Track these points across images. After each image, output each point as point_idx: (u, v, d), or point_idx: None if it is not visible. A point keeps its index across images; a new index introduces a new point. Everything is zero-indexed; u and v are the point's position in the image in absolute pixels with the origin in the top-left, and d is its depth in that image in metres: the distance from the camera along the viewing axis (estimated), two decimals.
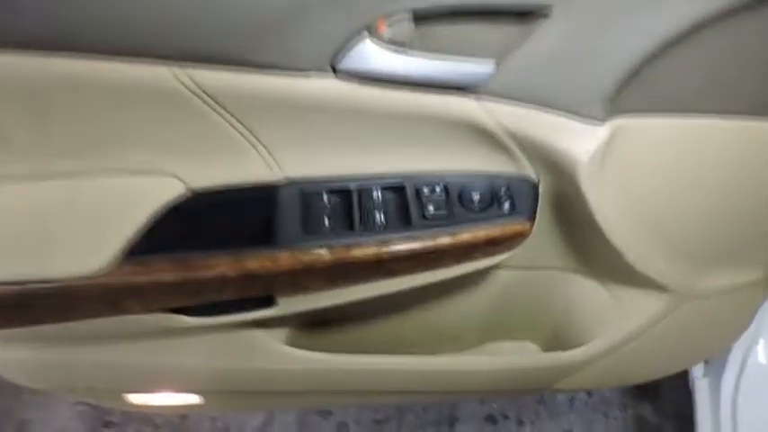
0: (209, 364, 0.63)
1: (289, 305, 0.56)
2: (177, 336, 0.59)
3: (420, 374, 0.69)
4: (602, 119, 0.52)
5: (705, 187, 0.60)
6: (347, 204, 0.54)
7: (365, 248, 0.51)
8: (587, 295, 0.72)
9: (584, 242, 0.64)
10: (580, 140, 0.52)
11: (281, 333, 0.64)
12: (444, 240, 0.53)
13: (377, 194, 0.54)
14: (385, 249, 0.52)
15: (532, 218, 0.56)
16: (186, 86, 0.46)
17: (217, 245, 0.51)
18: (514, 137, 0.53)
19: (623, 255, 0.59)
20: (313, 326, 0.68)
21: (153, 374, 0.64)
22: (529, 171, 0.56)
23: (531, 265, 0.70)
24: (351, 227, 0.52)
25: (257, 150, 0.52)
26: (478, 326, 0.81)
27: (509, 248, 0.56)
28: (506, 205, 0.55)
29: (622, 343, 0.71)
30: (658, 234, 0.60)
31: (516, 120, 0.52)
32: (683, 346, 0.79)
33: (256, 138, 0.51)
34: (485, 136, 0.53)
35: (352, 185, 0.54)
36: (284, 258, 0.50)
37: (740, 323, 0.84)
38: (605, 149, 0.52)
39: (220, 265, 0.50)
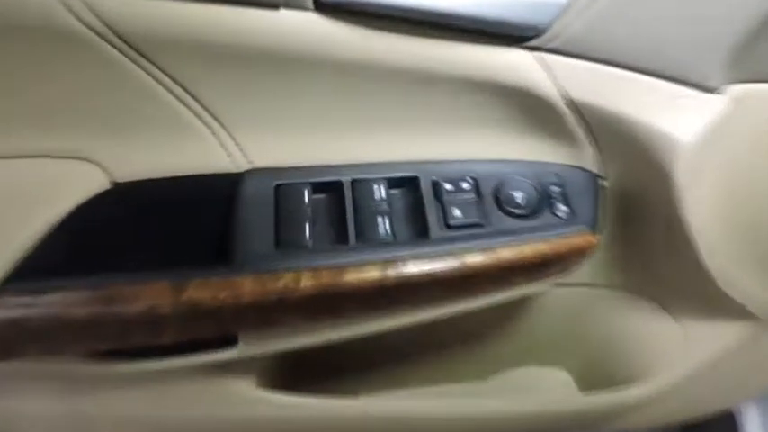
0: (162, 415, 0.48)
1: (256, 345, 0.40)
2: (115, 381, 0.44)
3: (437, 422, 0.54)
4: (716, 86, 0.36)
5: None
6: (338, 206, 0.38)
7: (363, 271, 0.36)
8: (645, 319, 0.57)
9: (654, 257, 0.48)
10: (683, 114, 0.36)
11: (253, 372, 0.48)
12: (475, 260, 0.37)
13: (380, 192, 0.38)
14: (391, 273, 0.36)
15: (597, 226, 0.40)
16: (84, 22, 0.30)
17: (148, 265, 0.35)
18: (580, 108, 0.37)
19: (713, 277, 0.44)
20: (297, 358, 0.52)
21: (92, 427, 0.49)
22: (591, 160, 0.41)
23: (575, 281, 0.54)
24: (343, 239, 0.37)
25: (208, 126, 0.36)
26: (501, 350, 0.66)
27: (564, 270, 0.41)
28: (562, 209, 0.39)
29: (691, 378, 0.56)
30: (758, 251, 0.45)
31: (586, 83, 0.36)
32: (756, 376, 0.64)
33: (205, 107, 0.36)
34: (536, 106, 0.38)
35: (345, 178, 0.39)
36: (246, 286, 0.35)
37: None
38: (717, 128, 0.36)
39: (152, 296, 0.34)
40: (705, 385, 0.59)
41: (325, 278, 0.35)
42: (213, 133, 0.37)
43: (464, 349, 0.63)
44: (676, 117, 0.36)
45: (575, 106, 0.38)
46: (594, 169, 0.41)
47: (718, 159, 0.38)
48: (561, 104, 0.37)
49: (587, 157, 0.41)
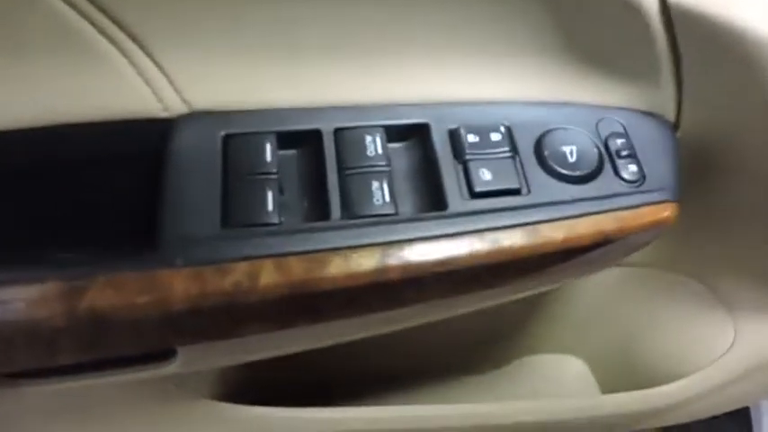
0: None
1: (202, 359, 0.29)
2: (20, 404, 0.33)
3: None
4: None
5: None
6: (315, 166, 0.27)
7: (352, 260, 0.24)
8: (690, 307, 0.47)
9: (725, 230, 0.38)
10: None
11: (206, 381, 0.38)
12: (511, 241, 0.26)
13: (375, 145, 0.27)
14: (393, 261, 0.25)
15: (677, 192, 0.29)
16: None
17: (28, 257, 0.23)
18: (674, 19, 0.26)
19: None
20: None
21: None
22: (669, 103, 0.29)
23: None
24: (322, 213, 0.26)
25: (121, 50, 0.25)
26: (509, 335, 0.56)
27: (630, 252, 0.30)
28: (630, 169, 0.28)
29: (733, 382, 0.46)
30: None
31: None
32: None
33: (117, 22, 0.24)
34: (611, 17, 0.26)
35: (325, 126, 0.27)
36: (178, 285, 0.23)
37: None
38: None
39: (35, 304, 0.22)
40: (750, 386, 0.49)
41: (297, 271, 0.24)
42: (130, 61, 0.25)
43: (471, 339, 0.53)
44: None
45: (668, 15, 0.26)
46: (671, 116, 0.30)
47: None
48: (656, 12, 0.26)
49: (664, 99, 0.29)
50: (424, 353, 0.52)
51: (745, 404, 0.61)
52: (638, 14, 0.27)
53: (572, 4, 0.28)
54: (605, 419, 0.48)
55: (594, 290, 0.51)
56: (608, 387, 0.54)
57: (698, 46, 0.28)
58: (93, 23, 0.25)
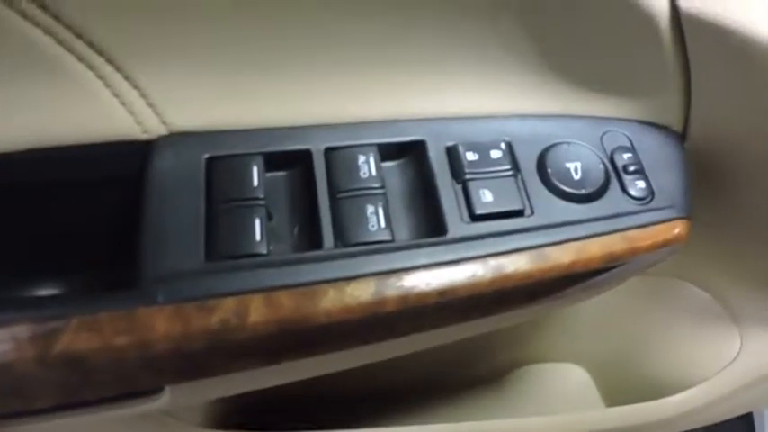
0: None
1: (190, 394, 0.28)
2: None
3: None
4: None
5: None
6: (305, 189, 0.25)
7: (346, 292, 0.23)
8: (696, 316, 0.45)
9: (733, 238, 0.37)
10: None
11: (197, 410, 0.36)
12: (516, 266, 0.24)
13: (369, 165, 0.26)
14: (390, 292, 0.23)
15: (688, 208, 0.28)
16: None
17: (4, 298, 0.22)
18: (684, 26, 0.24)
19: None
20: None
21: None
22: (676, 113, 0.28)
23: None
24: (314, 241, 0.24)
25: (94, 69, 0.23)
26: (510, 344, 0.55)
27: (640, 272, 0.29)
28: (638, 185, 0.27)
29: (737, 392, 0.45)
30: None
31: None
32: None
33: (90, 43, 0.22)
34: (618, 24, 0.25)
35: (315, 146, 0.26)
36: (160, 324, 0.21)
37: None
38: None
39: (4, 348, 0.21)
40: (757, 392, 0.48)
41: (288, 306, 0.22)
42: (105, 82, 0.24)
43: (471, 349, 0.52)
44: None
45: (679, 24, 0.25)
46: (679, 127, 0.29)
47: None
48: (666, 21, 0.24)
49: (671, 109, 0.28)
50: (423, 365, 0.51)
51: (750, 410, 0.60)
52: (648, 21, 0.25)
53: (576, 11, 0.26)
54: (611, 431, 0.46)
55: (597, 298, 0.50)
56: (611, 396, 0.53)
57: (707, 54, 0.27)
58: (68, 48, 0.23)
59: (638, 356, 0.52)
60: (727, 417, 0.54)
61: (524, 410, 0.51)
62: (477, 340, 0.52)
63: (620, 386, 0.53)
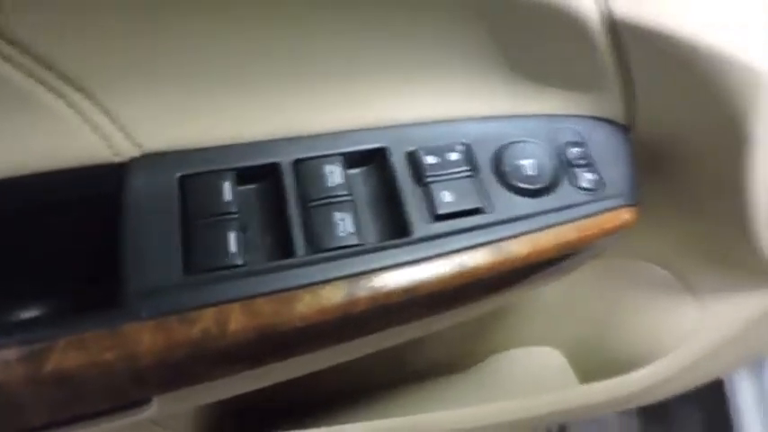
0: None
1: (177, 402, 0.29)
2: None
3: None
4: None
5: None
6: (275, 201, 0.27)
7: (320, 295, 0.24)
8: (657, 292, 0.48)
9: (683, 221, 0.39)
10: None
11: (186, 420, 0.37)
12: (477, 261, 0.26)
13: (335, 174, 0.27)
14: (361, 293, 0.25)
15: (635, 196, 0.30)
16: None
17: None
18: (619, 31, 0.26)
19: (761, 246, 0.34)
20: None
21: None
22: (620, 107, 0.30)
23: None
24: (286, 250, 0.25)
25: (63, 97, 0.24)
26: (486, 333, 0.57)
27: (593, 257, 0.31)
28: (587, 177, 0.29)
29: (705, 357, 0.48)
30: None
31: None
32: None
33: (55, 69, 0.23)
34: (558, 31, 0.26)
35: (283, 159, 0.27)
36: (145, 338, 0.23)
37: None
38: None
39: (8, 366, 0.22)
40: (719, 361, 0.51)
41: (266, 312, 0.24)
42: (75, 109, 0.25)
43: (445, 337, 0.54)
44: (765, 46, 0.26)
45: (614, 27, 0.26)
46: (622, 119, 0.31)
47: None
48: (598, 24, 0.26)
49: (615, 104, 0.30)
50: (397, 356, 0.53)
51: (718, 376, 0.64)
52: (579, 27, 0.27)
53: (516, 20, 0.28)
54: (586, 408, 0.49)
55: (569, 282, 0.52)
56: (586, 376, 0.55)
57: (642, 53, 0.28)
58: (38, 80, 0.24)
59: (608, 336, 0.54)
60: (698, 383, 0.57)
61: (503, 395, 0.53)
62: (453, 331, 0.54)
63: (595, 366, 0.56)
